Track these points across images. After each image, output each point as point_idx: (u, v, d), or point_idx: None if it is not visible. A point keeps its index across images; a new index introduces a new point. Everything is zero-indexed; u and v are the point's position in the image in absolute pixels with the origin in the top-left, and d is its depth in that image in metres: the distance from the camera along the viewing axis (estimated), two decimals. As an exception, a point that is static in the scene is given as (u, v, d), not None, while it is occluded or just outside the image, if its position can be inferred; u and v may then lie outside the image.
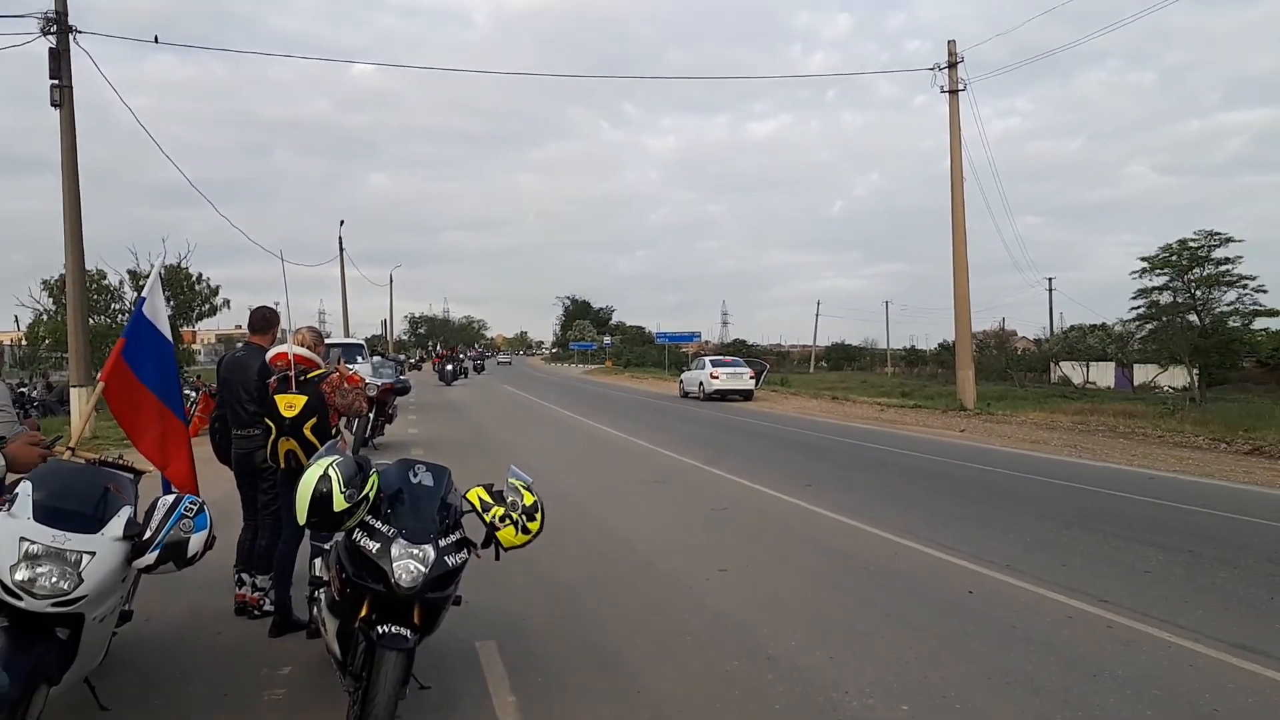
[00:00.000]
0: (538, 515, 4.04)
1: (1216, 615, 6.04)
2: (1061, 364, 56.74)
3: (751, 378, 33.95)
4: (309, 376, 5.40)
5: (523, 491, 4.05)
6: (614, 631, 5.69)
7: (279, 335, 6.10)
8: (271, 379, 5.39)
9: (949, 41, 25.95)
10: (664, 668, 5.01)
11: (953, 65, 25.57)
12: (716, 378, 32.75)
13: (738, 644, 5.42)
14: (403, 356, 70.36)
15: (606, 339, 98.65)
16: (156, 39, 18.44)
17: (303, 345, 5.49)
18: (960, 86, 25.56)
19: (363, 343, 26.70)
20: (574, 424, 22.40)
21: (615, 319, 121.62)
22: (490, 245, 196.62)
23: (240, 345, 6.37)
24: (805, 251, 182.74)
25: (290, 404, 5.28)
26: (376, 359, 23.05)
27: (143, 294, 4.80)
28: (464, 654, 5.13)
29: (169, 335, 4.75)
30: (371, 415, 14.53)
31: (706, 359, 36.85)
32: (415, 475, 4.02)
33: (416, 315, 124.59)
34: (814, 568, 7.45)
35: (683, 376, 37.42)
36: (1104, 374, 53.52)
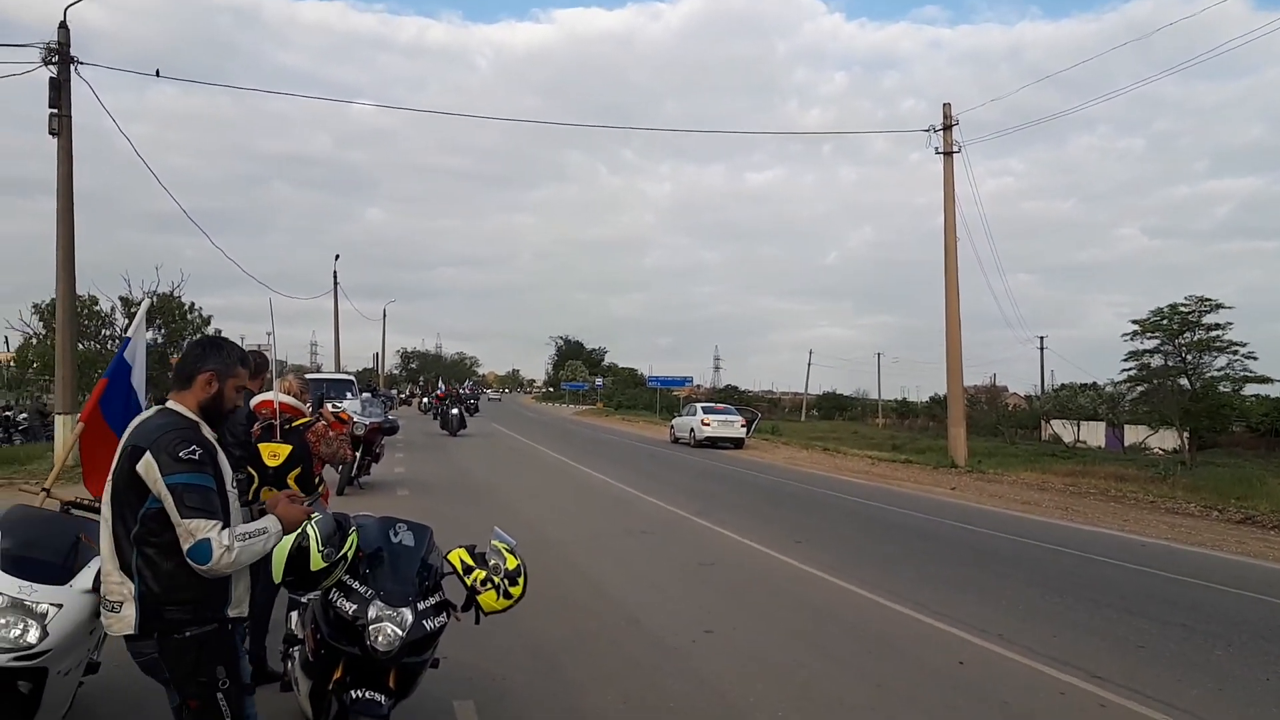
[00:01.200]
0: (520, 580, 3.92)
1: (1211, 695, 5.91)
2: (1052, 422, 56.77)
3: (742, 426, 33.83)
4: (294, 425, 5.30)
5: (506, 554, 3.93)
6: (594, 694, 5.54)
7: (268, 379, 6.01)
8: (255, 426, 5.29)
9: (945, 105, 26.22)
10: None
11: (948, 127, 25.78)
12: (708, 425, 32.63)
13: (721, 713, 5.28)
14: (394, 391, 70.08)
15: (598, 380, 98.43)
16: (158, 73, 18.34)
17: (289, 393, 5.40)
18: (955, 148, 25.77)
19: (352, 378, 26.57)
20: (562, 467, 22.22)
21: (608, 360, 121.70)
22: (484, 283, 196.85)
23: None
24: (798, 300, 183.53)
25: (274, 453, 5.18)
26: (366, 395, 22.92)
27: (127, 334, 4.70)
28: (441, 713, 4.98)
29: (142, 381, 4.65)
30: (358, 455, 14.36)
31: (698, 405, 36.73)
32: (396, 534, 3.90)
33: (408, 350, 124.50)
34: (802, 631, 7.30)
35: (674, 422, 37.26)
36: (1094, 433, 53.53)
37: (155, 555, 2.88)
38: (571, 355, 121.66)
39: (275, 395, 5.27)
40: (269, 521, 3.14)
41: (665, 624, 7.33)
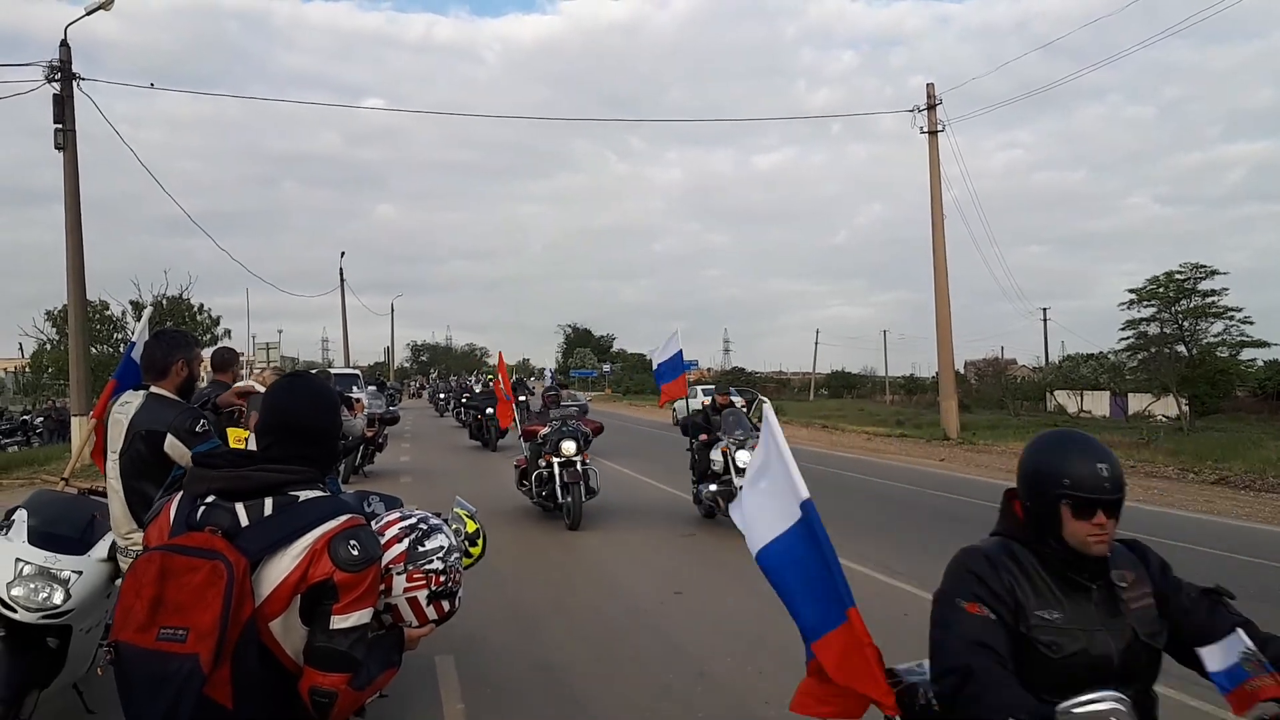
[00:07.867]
0: (479, 541, 4.50)
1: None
2: (1056, 393, 57.13)
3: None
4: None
5: (465, 520, 4.51)
6: (567, 650, 6.14)
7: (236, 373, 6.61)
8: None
9: (928, 85, 26.58)
10: (608, 683, 5.48)
11: (931, 107, 26.16)
12: (708, 406, 33.25)
13: (678, 662, 5.88)
14: (406, 382, 71.04)
15: (606, 366, 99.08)
16: (153, 85, 19.26)
17: (264, 384, 5.98)
18: (939, 127, 26.13)
19: (358, 373, 27.33)
20: (564, 452, 22.78)
21: (616, 346, 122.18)
22: (494, 274, 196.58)
23: (208, 384, 6.91)
24: (809, 280, 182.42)
25: (238, 437, 5.76)
26: (371, 389, 23.57)
27: (133, 338, 5.29)
28: (422, 667, 5.58)
29: None
30: (361, 444, 15.01)
31: (699, 389, 37.43)
32: (369, 505, 4.50)
33: (418, 343, 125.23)
34: (764, 592, 7.82)
35: (675, 405, 37.88)
36: (1099, 403, 53.80)
37: None
38: (580, 343, 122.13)
39: (256, 385, 5.85)
40: None
41: (640, 588, 7.94)
